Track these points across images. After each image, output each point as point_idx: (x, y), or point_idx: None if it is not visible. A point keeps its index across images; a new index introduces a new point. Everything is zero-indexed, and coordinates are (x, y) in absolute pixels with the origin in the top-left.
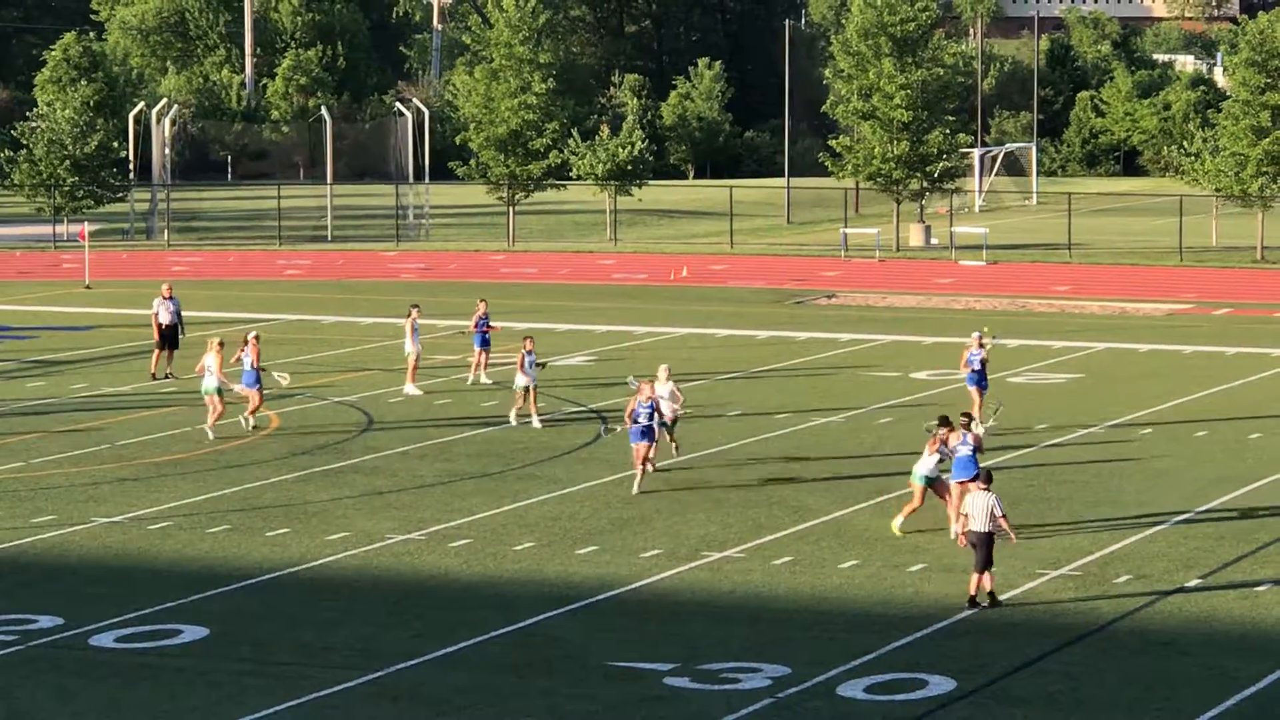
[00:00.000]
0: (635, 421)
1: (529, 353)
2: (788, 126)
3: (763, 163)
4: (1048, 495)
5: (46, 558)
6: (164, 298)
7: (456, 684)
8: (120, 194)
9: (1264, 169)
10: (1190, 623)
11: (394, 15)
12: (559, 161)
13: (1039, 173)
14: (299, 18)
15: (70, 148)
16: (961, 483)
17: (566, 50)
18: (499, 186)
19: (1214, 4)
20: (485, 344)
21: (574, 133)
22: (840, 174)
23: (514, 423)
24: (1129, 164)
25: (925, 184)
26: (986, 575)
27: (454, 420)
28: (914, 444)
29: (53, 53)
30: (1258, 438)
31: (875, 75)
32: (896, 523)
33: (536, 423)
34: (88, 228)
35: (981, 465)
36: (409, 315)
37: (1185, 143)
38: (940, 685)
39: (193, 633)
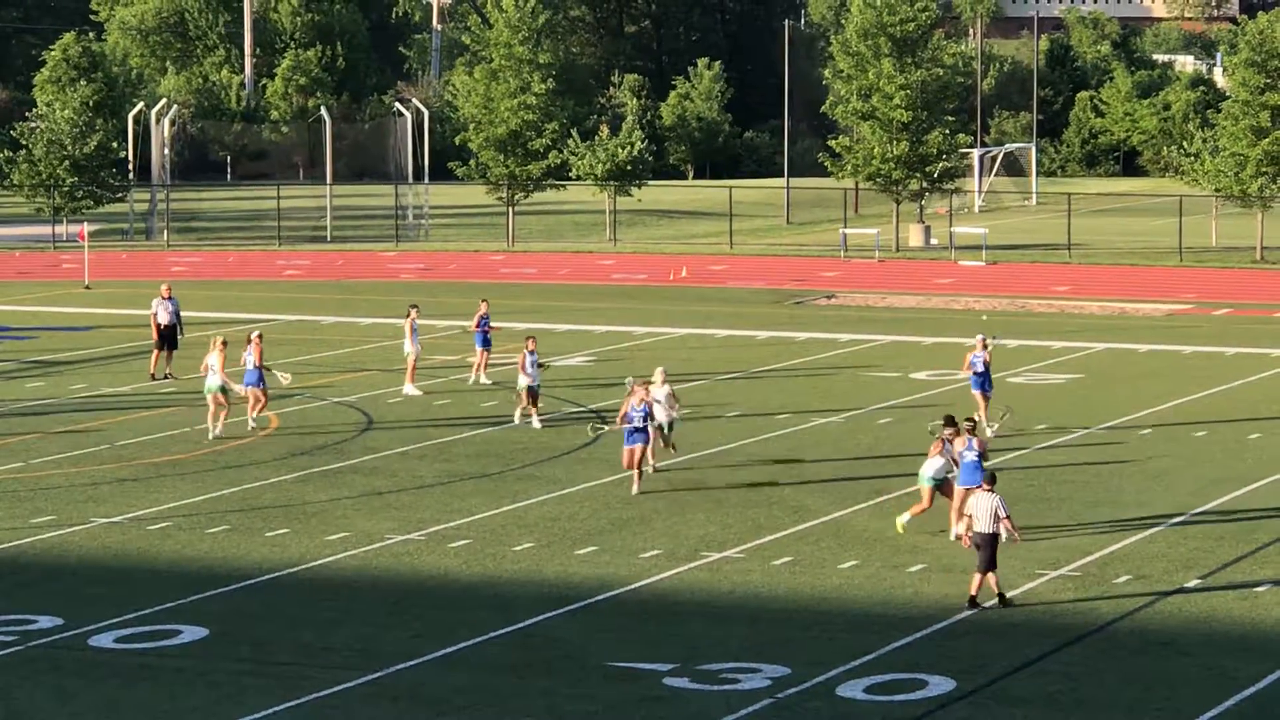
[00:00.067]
0: (629, 423)
1: (531, 353)
2: (787, 127)
3: (762, 163)
4: (1048, 495)
5: (46, 558)
6: (163, 298)
7: (456, 684)
8: (120, 194)
9: (1263, 169)
10: (1190, 623)
11: (393, 15)
12: (558, 162)
13: (1038, 173)
14: (298, 18)
15: (70, 148)
16: (968, 489)
17: (566, 50)
18: (498, 187)
19: (1214, 4)
20: (486, 344)
21: (573, 133)
22: (840, 174)
23: (518, 422)
24: (1129, 164)
25: (925, 184)
26: (991, 575)
27: (453, 420)
28: (914, 444)
29: (52, 53)
30: (1257, 438)
31: (875, 75)
32: (903, 519)
33: (536, 423)
34: (87, 228)
35: (985, 467)
36: (408, 316)
37: (1185, 143)
38: (940, 685)
39: (192, 633)
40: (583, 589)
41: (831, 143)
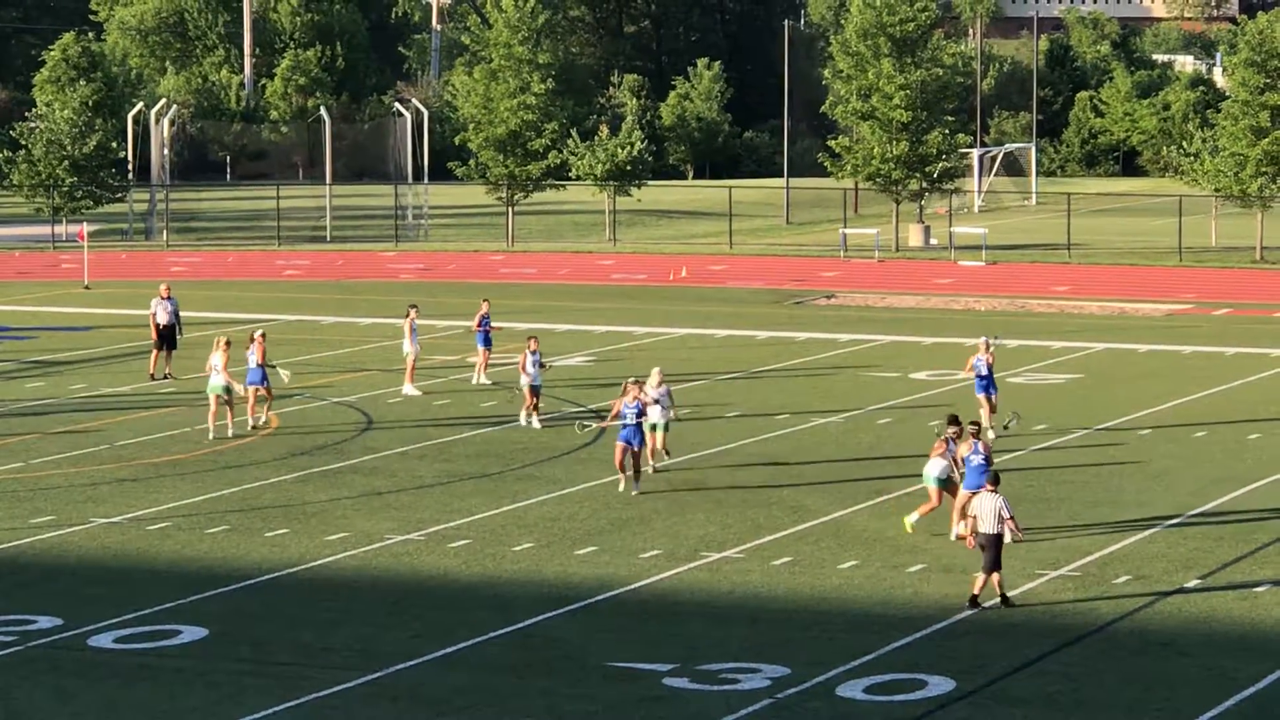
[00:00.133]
0: (621, 420)
1: (533, 353)
2: (787, 127)
3: (762, 163)
4: (1047, 495)
5: (45, 558)
6: (162, 298)
7: (455, 684)
8: (119, 194)
9: (1263, 169)
10: (1189, 623)
11: (393, 15)
12: (558, 162)
13: (1038, 173)
14: (298, 18)
15: (69, 148)
16: (973, 492)
17: (565, 50)
18: (498, 187)
19: (1213, 4)
20: (488, 343)
21: (573, 133)
22: (839, 174)
23: (524, 423)
24: (1128, 164)
25: (924, 184)
26: (995, 576)
27: (453, 421)
28: (913, 444)
29: (52, 53)
30: (1257, 438)
31: (874, 75)
32: (911, 519)
33: (536, 423)
34: (86, 228)
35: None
36: (407, 316)
37: (1184, 143)
38: (940, 686)
39: (191, 633)
40: (582, 589)
41: (831, 143)
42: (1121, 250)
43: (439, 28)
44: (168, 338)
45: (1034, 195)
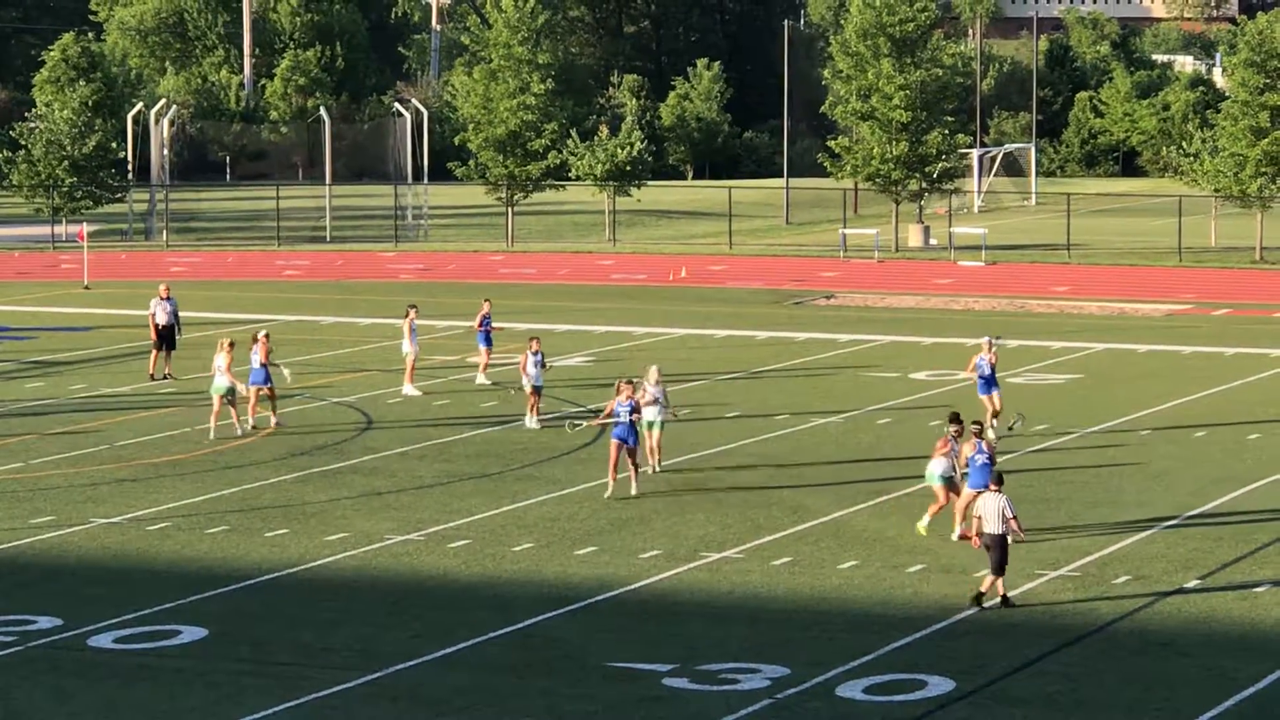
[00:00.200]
0: (615, 418)
1: (535, 353)
2: (786, 127)
3: (761, 163)
4: (1047, 496)
5: (45, 558)
6: (161, 298)
7: (455, 684)
8: (119, 194)
9: (1263, 169)
10: (1189, 623)
11: (393, 16)
12: (558, 162)
13: (1038, 173)
14: (297, 18)
15: (69, 148)
16: (978, 492)
17: (565, 51)
18: (498, 187)
19: (1213, 4)
20: (489, 343)
21: (573, 133)
22: (839, 174)
23: (529, 424)
24: (1128, 164)
25: (924, 184)
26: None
27: (453, 421)
28: (913, 444)
29: (51, 53)
30: (1256, 438)
31: (874, 76)
32: (923, 522)
33: (535, 423)
34: (86, 228)
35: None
36: (407, 316)
37: (1184, 143)
38: (939, 686)
39: (191, 633)
40: (582, 589)
41: (831, 143)
42: (1121, 250)
43: (439, 28)
44: (167, 338)
45: (1034, 195)
